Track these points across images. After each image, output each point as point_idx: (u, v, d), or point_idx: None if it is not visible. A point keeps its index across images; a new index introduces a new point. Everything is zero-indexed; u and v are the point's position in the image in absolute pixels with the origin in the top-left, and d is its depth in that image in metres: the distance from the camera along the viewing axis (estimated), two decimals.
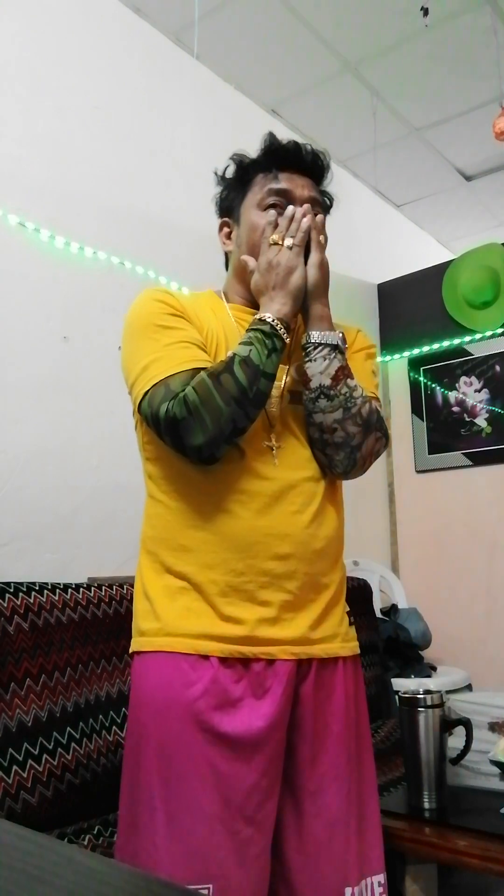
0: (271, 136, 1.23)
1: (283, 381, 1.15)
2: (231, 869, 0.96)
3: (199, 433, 1.01)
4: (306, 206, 1.15)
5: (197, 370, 1.04)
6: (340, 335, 1.13)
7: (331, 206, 1.27)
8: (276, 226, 1.13)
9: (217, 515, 1.06)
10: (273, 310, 1.09)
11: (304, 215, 1.12)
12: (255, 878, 0.99)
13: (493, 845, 1.26)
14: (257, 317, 1.09)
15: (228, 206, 1.28)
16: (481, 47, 2.80)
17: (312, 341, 1.11)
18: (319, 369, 1.09)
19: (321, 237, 1.15)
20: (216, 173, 1.29)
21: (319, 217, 1.17)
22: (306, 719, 1.07)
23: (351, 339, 1.23)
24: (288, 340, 1.10)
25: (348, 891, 1.04)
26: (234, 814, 0.98)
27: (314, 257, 1.13)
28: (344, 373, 1.10)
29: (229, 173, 1.27)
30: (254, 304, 1.17)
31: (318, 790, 1.06)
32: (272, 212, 1.15)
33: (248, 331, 1.08)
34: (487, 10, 2.63)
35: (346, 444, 1.09)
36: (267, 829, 1.01)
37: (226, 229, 1.29)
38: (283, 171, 1.20)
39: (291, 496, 1.08)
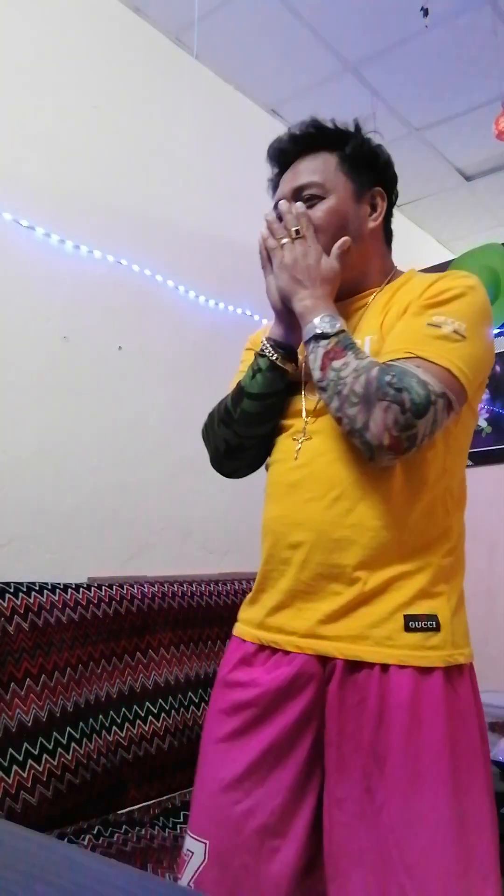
0: (272, 143, 1.20)
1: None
2: (227, 833, 0.98)
3: (209, 453, 1.18)
4: (282, 203, 1.11)
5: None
6: (326, 319, 1.03)
7: (337, 140, 1.16)
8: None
9: (263, 507, 1.13)
10: (300, 307, 1.05)
11: (282, 212, 1.09)
12: (251, 849, 0.97)
13: None
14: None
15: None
16: (481, 47, 2.80)
17: (303, 341, 1.07)
18: (312, 365, 1.02)
19: (290, 234, 1.08)
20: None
21: (297, 206, 1.09)
22: (331, 721, 0.98)
23: (415, 295, 1.07)
24: (276, 356, 1.08)
25: None
26: (236, 784, 1.00)
27: (275, 262, 1.09)
28: (329, 357, 1.00)
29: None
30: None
31: (343, 800, 0.95)
32: (264, 230, 1.13)
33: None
34: (487, 10, 2.63)
35: (354, 431, 0.96)
36: (269, 808, 0.98)
37: None
38: (283, 172, 1.17)
39: (308, 484, 1.03)
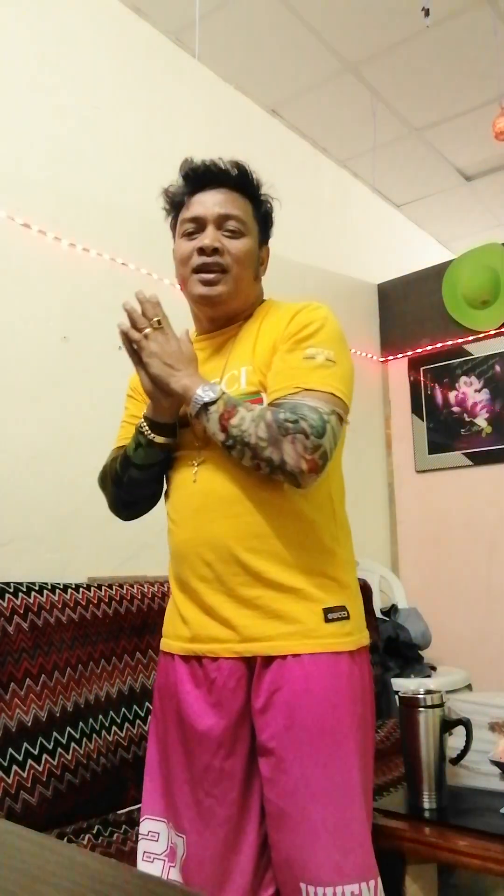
0: (184, 162, 1.31)
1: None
2: (197, 827, 1.12)
3: (107, 502, 1.33)
4: (138, 293, 1.18)
5: (120, 448, 1.29)
6: (206, 388, 1.12)
7: (258, 192, 1.30)
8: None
9: (169, 530, 1.26)
10: (179, 387, 1.15)
11: (140, 301, 1.17)
12: (220, 840, 1.11)
13: (493, 845, 1.26)
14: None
15: (172, 231, 1.35)
16: (481, 47, 2.80)
17: (191, 414, 1.15)
18: (210, 430, 1.12)
19: (148, 327, 1.16)
20: (165, 206, 1.35)
21: (153, 296, 1.18)
22: (256, 713, 1.12)
23: (280, 329, 1.21)
24: (153, 436, 1.20)
25: (303, 887, 1.04)
26: (196, 786, 1.14)
27: (143, 353, 1.16)
28: (224, 418, 1.10)
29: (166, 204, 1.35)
30: (202, 328, 1.32)
31: (270, 779, 1.10)
32: (134, 306, 1.20)
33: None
34: (487, 10, 2.64)
35: (275, 468, 1.08)
36: (226, 802, 1.12)
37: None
38: (201, 191, 1.26)
39: (211, 504, 1.15)
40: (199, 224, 1.24)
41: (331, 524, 1.19)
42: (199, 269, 1.22)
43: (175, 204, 1.31)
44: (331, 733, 1.09)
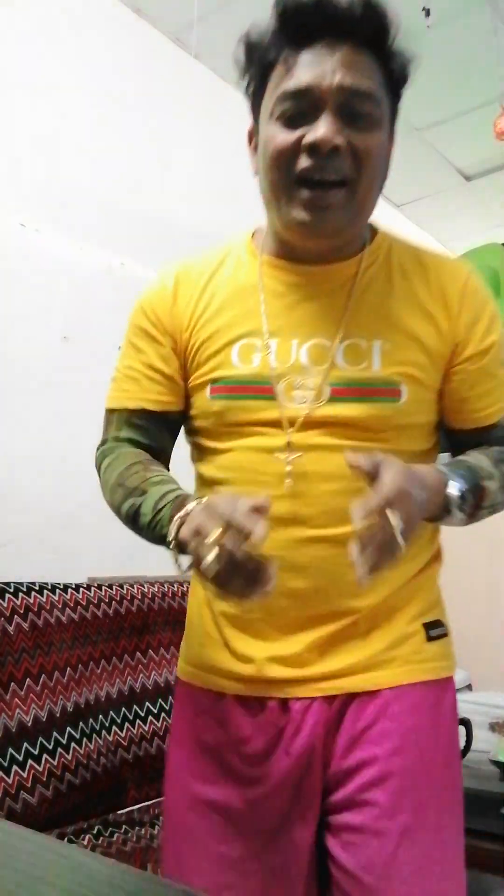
0: None
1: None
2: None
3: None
4: (257, 505, 0.70)
5: (133, 412, 0.94)
6: (454, 490, 0.82)
7: (405, 73, 0.85)
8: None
9: None
10: (427, 513, 0.80)
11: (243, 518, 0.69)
12: None
13: (493, 845, 1.26)
14: (177, 515, 0.77)
15: (252, 104, 0.89)
16: (481, 47, 2.79)
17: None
18: (461, 523, 0.86)
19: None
20: (243, 59, 0.89)
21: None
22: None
23: (438, 302, 0.88)
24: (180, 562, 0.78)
25: None
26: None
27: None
28: (474, 507, 0.84)
29: (246, 54, 0.89)
30: (290, 252, 0.90)
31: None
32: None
33: (163, 502, 0.82)
34: (487, 11, 2.63)
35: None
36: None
37: (254, 139, 0.90)
38: (308, 47, 0.80)
39: (307, 518, 0.88)
40: (310, 103, 0.79)
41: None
42: (305, 178, 0.80)
43: (263, 61, 0.85)
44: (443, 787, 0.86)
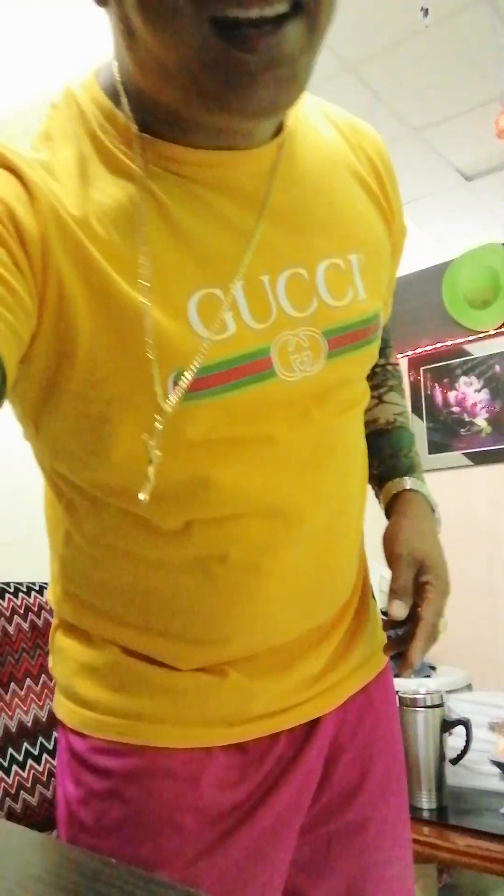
0: None
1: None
2: None
3: None
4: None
5: None
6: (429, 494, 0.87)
7: None
8: None
9: None
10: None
11: None
12: None
13: (493, 845, 1.26)
14: None
15: None
16: (481, 47, 2.80)
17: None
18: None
19: None
20: None
21: None
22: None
23: (372, 175, 0.67)
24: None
25: None
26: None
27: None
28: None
29: None
30: (187, 130, 0.56)
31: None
32: None
33: None
34: (487, 10, 2.63)
35: None
36: None
37: None
38: None
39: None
40: None
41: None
42: (227, 21, 0.47)
43: None
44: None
